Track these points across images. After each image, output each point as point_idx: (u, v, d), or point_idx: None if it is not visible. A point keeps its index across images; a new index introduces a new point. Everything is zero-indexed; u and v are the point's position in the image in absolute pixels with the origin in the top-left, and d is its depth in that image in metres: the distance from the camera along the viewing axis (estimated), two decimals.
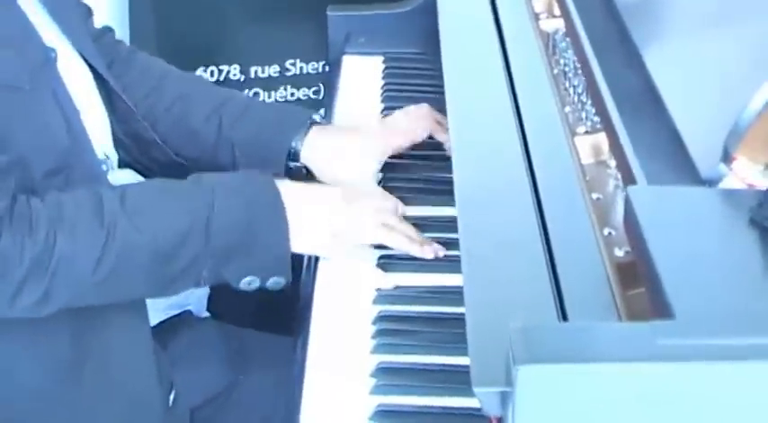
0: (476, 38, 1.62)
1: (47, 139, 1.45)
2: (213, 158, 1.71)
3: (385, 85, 2.03)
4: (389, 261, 1.56)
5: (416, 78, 2.03)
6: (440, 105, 1.84)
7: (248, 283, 1.50)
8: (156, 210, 1.45)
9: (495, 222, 1.18)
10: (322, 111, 2.09)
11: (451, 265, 1.51)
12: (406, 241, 1.54)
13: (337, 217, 1.54)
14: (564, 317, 1.03)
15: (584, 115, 1.48)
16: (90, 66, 1.60)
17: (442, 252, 1.54)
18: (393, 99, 1.97)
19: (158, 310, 1.67)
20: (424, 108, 1.78)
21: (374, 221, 1.55)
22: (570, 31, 1.56)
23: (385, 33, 2.11)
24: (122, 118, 1.67)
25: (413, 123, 1.76)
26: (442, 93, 1.54)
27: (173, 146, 1.71)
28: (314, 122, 1.73)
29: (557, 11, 1.69)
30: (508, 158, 1.29)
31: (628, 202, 1.06)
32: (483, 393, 0.92)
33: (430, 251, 1.54)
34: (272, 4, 2.70)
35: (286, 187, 1.53)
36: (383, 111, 1.95)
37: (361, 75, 2.07)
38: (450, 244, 1.53)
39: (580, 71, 1.51)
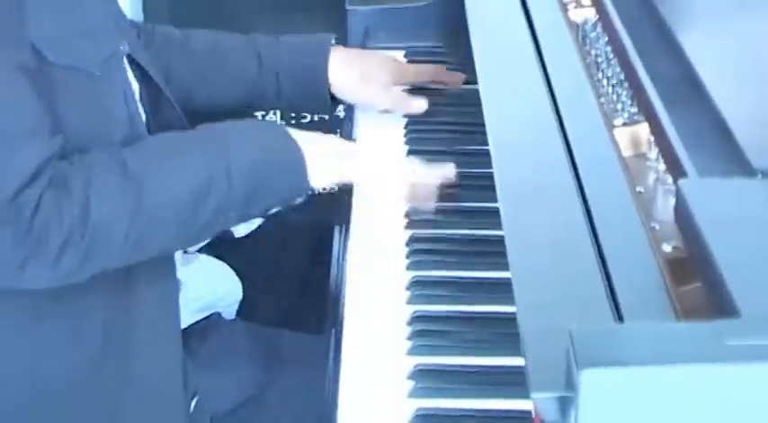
0: (506, 30, 1.58)
1: (109, 126, 1.47)
2: (260, 88, 1.80)
3: None
4: (421, 258, 1.53)
5: None
6: (465, 100, 1.82)
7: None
8: (176, 164, 1.47)
9: (540, 220, 1.14)
10: (341, 106, 2.06)
11: (487, 262, 1.48)
12: None
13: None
14: (619, 317, 0.99)
15: (619, 107, 1.44)
16: (140, 70, 1.60)
17: None
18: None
19: (187, 313, 1.65)
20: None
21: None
22: (604, 19, 1.52)
23: (405, 27, 2.08)
24: (166, 123, 1.66)
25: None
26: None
27: (218, 92, 1.78)
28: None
29: (585, 0, 1.66)
30: (550, 154, 1.25)
31: (680, 196, 1.02)
32: (542, 399, 0.88)
33: None
34: None
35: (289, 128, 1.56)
36: None
37: None
38: (490, 241, 1.50)
39: (614, 61, 1.48)
